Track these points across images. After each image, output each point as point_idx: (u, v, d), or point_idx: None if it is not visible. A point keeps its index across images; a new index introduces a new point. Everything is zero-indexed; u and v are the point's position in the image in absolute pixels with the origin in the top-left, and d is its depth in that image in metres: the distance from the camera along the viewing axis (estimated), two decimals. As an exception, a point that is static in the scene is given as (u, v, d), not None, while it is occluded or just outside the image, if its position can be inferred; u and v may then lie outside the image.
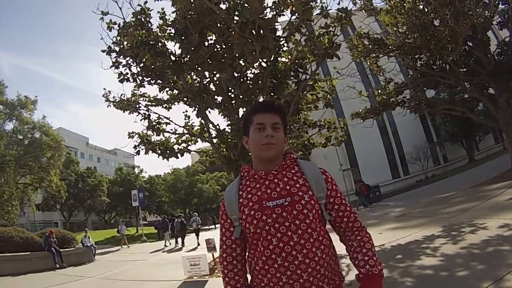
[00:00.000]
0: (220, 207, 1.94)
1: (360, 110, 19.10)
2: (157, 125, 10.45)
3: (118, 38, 9.13)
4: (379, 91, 19.04)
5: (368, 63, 18.28)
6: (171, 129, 10.72)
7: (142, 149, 10.32)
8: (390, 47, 17.10)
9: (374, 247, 1.77)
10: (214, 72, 9.14)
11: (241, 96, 9.06)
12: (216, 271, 9.60)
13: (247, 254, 1.90)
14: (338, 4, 11.29)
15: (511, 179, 14.61)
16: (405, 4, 15.16)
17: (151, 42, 8.48)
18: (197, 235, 21.45)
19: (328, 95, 10.39)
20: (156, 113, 10.76)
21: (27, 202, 37.92)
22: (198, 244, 19.49)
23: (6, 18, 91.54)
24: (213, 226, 43.59)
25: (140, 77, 9.74)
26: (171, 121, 10.66)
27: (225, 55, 8.41)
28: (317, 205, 1.76)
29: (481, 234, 7.37)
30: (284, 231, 1.69)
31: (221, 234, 1.93)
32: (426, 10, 15.23)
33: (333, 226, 1.87)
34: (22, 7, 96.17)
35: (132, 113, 10.56)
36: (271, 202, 1.74)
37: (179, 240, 22.03)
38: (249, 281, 1.90)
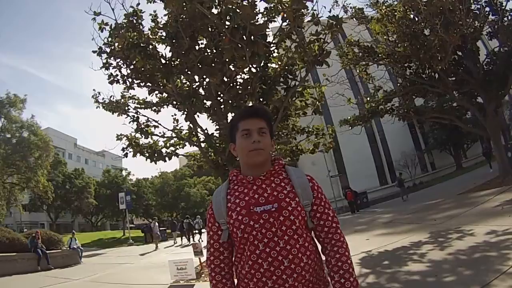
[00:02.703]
0: (208, 210, 1.95)
1: (349, 117, 19.21)
2: (146, 128, 10.39)
3: (110, 39, 9.12)
4: (368, 98, 19.20)
5: (358, 71, 18.43)
6: (160, 132, 10.68)
7: (130, 152, 10.25)
8: (380, 55, 17.27)
9: (351, 265, 1.78)
10: (204, 77, 9.14)
11: (230, 101, 9.08)
12: (203, 275, 9.57)
13: (233, 258, 1.91)
14: (329, 12, 11.43)
15: (499, 186, 14.79)
16: (395, 13, 15.36)
17: (142, 45, 8.48)
18: (200, 234, 26.89)
19: (317, 102, 10.41)
20: (145, 115, 10.72)
21: (14, 202, 37.40)
22: (202, 241, 20.54)
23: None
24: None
25: (130, 79, 9.71)
26: (160, 124, 10.63)
27: (215, 59, 8.43)
28: (303, 212, 1.78)
29: (468, 240, 7.45)
30: (270, 237, 1.71)
31: (208, 238, 1.93)
32: (416, 19, 15.44)
33: (315, 235, 1.89)
34: (14, 9, 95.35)
35: (121, 115, 10.47)
36: (259, 207, 1.75)
37: (187, 238, 26.24)
38: (235, 284, 1.91)
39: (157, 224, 26.17)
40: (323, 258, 1.87)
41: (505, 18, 17.01)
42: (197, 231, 28.18)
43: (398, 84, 19.96)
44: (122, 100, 10.58)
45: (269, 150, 1.88)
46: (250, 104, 8.81)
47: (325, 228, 1.84)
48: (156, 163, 10.22)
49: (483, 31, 18.08)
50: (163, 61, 8.95)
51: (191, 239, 25.72)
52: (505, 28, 16.06)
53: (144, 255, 19.01)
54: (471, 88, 18.17)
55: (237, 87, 9.08)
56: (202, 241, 20.78)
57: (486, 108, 17.83)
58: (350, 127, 19.27)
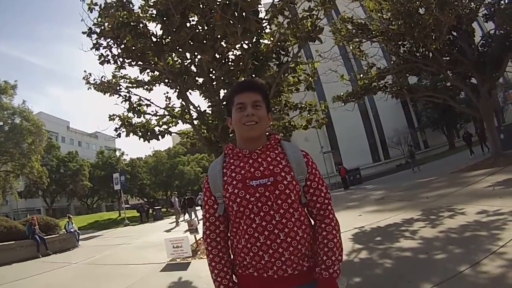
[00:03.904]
0: (204, 184, 1.96)
1: (342, 94, 19.19)
2: (138, 107, 10.30)
3: (99, 19, 8.97)
4: (361, 75, 19.14)
5: (351, 48, 18.32)
6: (152, 111, 10.59)
7: (123, 132, 10.20)
8: (373, 32, 17.19)
9: (337, 244, 1.80)
10: (196, 54, 9.04)
11: (222, 78, 9.01)
12: (199, 252, 9.70)
13: (229, 232, 1.93)
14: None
15: (491, 167, 14.98)
16: (390, -9, 15.21)
17: (132, 23, 8.34)
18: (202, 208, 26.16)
19: (310, 78, 10.38)
20: (137, 95, 10.60)
21: (9, 190, 37.49)
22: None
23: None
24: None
25: (120, 59, 9.57)
26: (152, 103, 10.53)
27: (207, 36, 8.33)
28: (298, 187, 1.80)
29: (459, 219, 7.52)
30: (266, 210, 1.73)
31: (204, 211, 1.95)
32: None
33: (307, 210, 1.91)
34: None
35: (113, 96, 10.38)
36: (255, 181, 1.77)
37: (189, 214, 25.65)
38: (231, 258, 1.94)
39: (177, 199, 26.12)
40: None
41: (502, 1, 16.93)
42: (200, 207, 28.24)
43: (392, 62, 19.88)
44: (114, 80, 10.47)
45: (264, 123, 1.89)
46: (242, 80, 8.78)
47: (317, 204, 1.86)
48: (149, 142, 10.21)
49: (479, 13, 17.99)
50: (154, 39, 8.83)
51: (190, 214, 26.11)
52: (501, 11, 15.95)
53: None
54: (465, 69, 18.17)
55: (229, 63, 9.00)
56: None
57: (479, 90, 17.89)
58: (343, 104, 19.25)
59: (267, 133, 1.96)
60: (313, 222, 1.91)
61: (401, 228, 8.03)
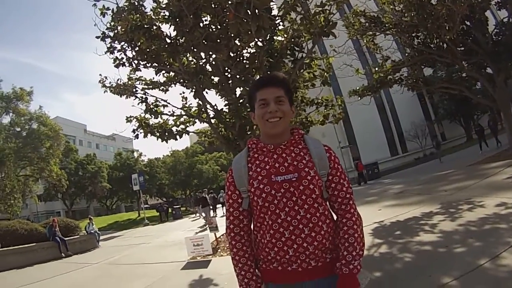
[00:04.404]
0: (227, 178, 1.96)
1: (358, 88, 19.01)
2: (155, 108, 10.39)
3: (112, 23, 9.06)
4: (376, 68, 18.90)
5: (365, 41, 18.12)
6: (169, 111, 10.68)
7: (140, 133, 10.28)
8: (386, 25, 16.96)
9: (358, 239, 1.80)
10: (210, 53, 9.07)
11: (237, 76, 9.04)
12: (219, 250, 9.76)
13: (253, 226, 1.94)
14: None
15: (509, 158, 14.65)
16: (401, -18, 15.03)
17: (145, 26, 8.42)
18: (223, 206, 26.76)
19: (325, 73, 10.34)
20: (153, 96, 10.70)
21: (29, 194, 38.17)
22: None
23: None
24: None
25: (135, 61, 9.68)
26: (169, 103, 10.63)
27: (221, 35, 8.35)
28: (320, 182, 1.80)
29: (478, 212, 7.43)
30: (291, 206, 1.75)
31: (228, 206, 1.96)
32: (423, -12, 15.08)
33: (329, 205, 1.92)
34: (11, 2, 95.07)
35: (129, 97, 10.49)
36: (280, 177, 1.78)
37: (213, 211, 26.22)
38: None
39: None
40: None
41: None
42: (221, 205, 29.69)
43: (406, 54, 19.63)
44: (129, 82, 10.59)
45: (288, 118, 1.89)
46: (258, 77, 8.79)
47: (338, 198, 1.87)
48: (167, 142, 10.26)
49: (492, 1, 17.66)
50: (168, 41, 8.89)
51: (215, 212, 26.24)
52: (514, -2, 15.66)
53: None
54: (480, 59, 17.80)
55: (244, 61, 9.02)
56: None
57: (495, 79, 17.57)
58: (359, 98, 19.06)
59: (291, 128, 1.96)
60: (335, 217, 1.92)
61: (420, 222, 7.98)
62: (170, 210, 36.11)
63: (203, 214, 22.29)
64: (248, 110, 1.80)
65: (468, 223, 6.73)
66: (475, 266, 4.52)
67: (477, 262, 4.61)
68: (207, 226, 11.98)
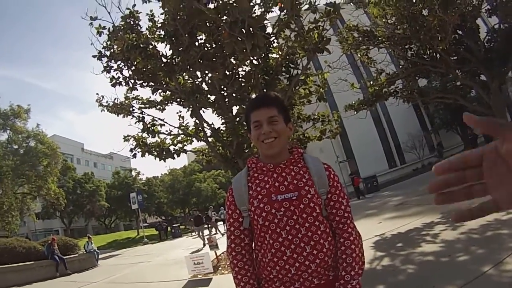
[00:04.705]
0: (227, 197, 1.96)
1: (353, 102, 19.04)
2: (152, 127, 10.42)
3: (108, 42, 9.15)
4: (371, 82, 19.02)
5: (359, 55, 18.27)
6: (166, 130, 10.70)
7: (138, 152, 10.29)
8: (379, 38, 17.12)
9: (356, 258, 1.79)
10: (206, 72, 9.15)
11: (234, 94, 9.11)
12: (220, 268, 9.69)
13: (254, 245, 1.94)
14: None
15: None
16: (392, -4, 15.20)
17: (141, 45, 8.50)
18: (224, 223, 27.11)
19: (321, 89, 10.44)
20: (150, 115, 10.75)
21: (27, 212, 37.82)
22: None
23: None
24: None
25: (132, 80, 9.73)
26: (166, 122, 10.65)
27: (216, 54, 8.42)
28: (320, 200, 1.80)
29: (479, 219, 7.37)
30: (292, 224, 1.74)
31: (229, 225, 1.95)
32: (414, 0, 15.26)
33: (329, 223, 1.90)
34: (10, 20, 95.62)
35: (126, 117, 10.52)
36: (280, 196, 1.78)
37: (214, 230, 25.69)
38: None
39: (213, 213, 25.79)
40: None
41: (504, -6, 16.82)
42: (222, 222, 28.73)
43: (400, 66, 19.78)
44: (126, 101, 10.62)
45: (284, 137, 1.88)
46: (253, 96, 8.83)
47: (336, 217, 1.86)
48: (165, 161, 10.27)
49: (482, 9, 17.84)
50: (164, 60, 8.97)
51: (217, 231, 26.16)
52: (503, 5, 15.86)
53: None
54: (473, 67, 17.94)
55: (240, 79, 9.08)
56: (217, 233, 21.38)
57: (489, 86, 17.67)
58: (355, 112, 19.13)
59: (289, 147, 1.97)
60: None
61: (422, 233, 7.99)
62: (169, 229, 35.97)
63: (202, 232, 21.92)
64: (245, 128, 1.81)
65: (470, 231, 6.73)
66: (479, 273, 4.53)
67: (480, 270, 4.62)
68: (206, 244, 11.92)
